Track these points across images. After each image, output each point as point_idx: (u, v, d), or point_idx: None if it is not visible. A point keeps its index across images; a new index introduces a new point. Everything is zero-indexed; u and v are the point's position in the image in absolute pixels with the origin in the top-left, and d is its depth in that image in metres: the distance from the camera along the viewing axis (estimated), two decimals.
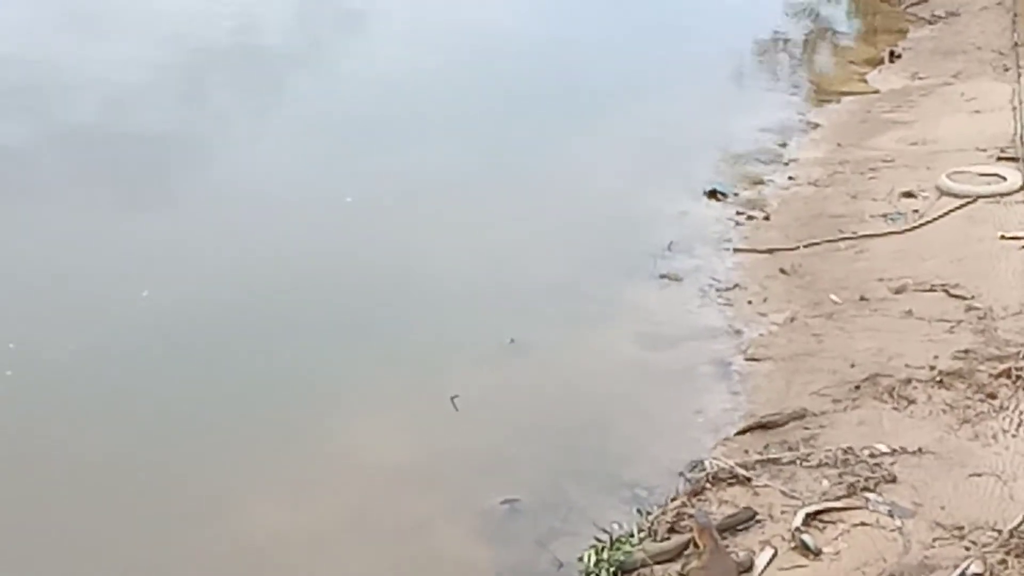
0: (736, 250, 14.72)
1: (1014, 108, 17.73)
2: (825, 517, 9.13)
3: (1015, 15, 22.78)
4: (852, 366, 11.51)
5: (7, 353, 11.63)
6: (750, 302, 13.30)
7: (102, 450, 10.45)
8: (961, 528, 8.83)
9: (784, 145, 18.26)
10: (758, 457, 10.11)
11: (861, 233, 14.78)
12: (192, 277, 13.26)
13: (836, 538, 8.89)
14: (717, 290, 13.60)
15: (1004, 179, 15.44)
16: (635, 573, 8.82)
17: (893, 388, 10.93)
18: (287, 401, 11.20)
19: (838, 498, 9.33)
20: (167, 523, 9.57)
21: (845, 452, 9.94)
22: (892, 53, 22.45)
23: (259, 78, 20.09)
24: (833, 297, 13.15)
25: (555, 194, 16.09)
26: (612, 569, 8.76)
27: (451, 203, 15.43)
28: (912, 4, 25.35)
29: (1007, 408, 10.39)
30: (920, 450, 9.86)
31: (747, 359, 12.08)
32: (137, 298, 12.66)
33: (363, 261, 13.81)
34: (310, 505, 9.84)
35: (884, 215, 15.29)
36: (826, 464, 9.85)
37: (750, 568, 8.69)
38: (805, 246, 14.58)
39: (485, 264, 14.00)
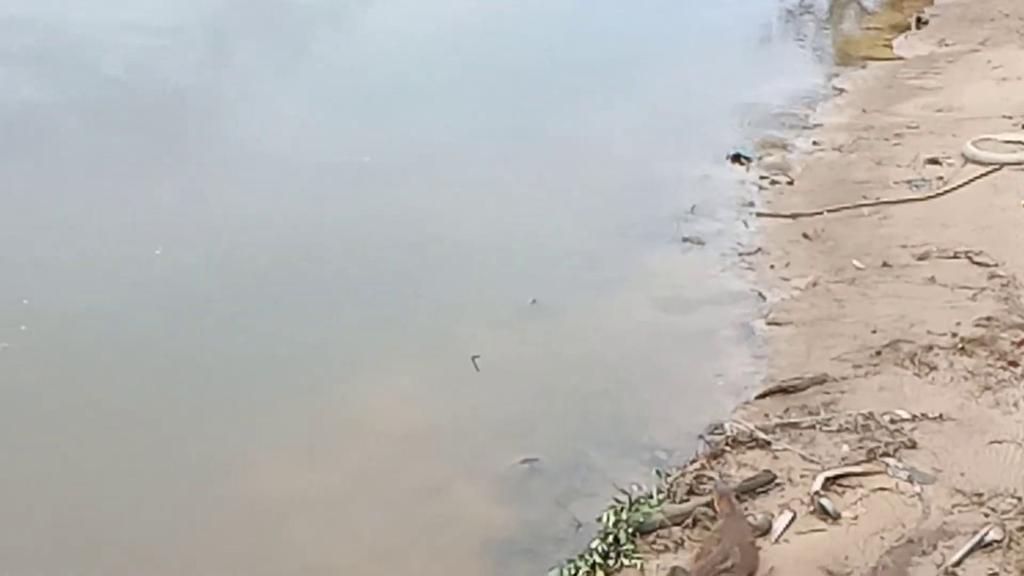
0: (759, 215, 14.68)
1: None
2: (844, 482, 9.13)
3: None
4: (874, 332, 11.49)
5: (21, 308, 11.65)
6: (772, 267, 13.27)
7: (114, 407, 10.49)
8: (980, 495, 8.83)
9: (809, 110, 18.18)
10: (778, 421, 10.11)
11: (885, 199, 14.73)
12: (207, 235, 13.27)
13: (855, 503, 8.90)
14: (739, 254, 13.57)
15: None
16: (653, 534, 8.83)
17: (915, 354, 10.92)
18: (305, 362, 11.22)
19: (858, 463, 9.33)
20: (181, 483, 9.60)
21: (865, 417, 9.93)
22: (919, 19, 22.30)
23: (279, 38, 20.10)
24: (856, 263, 13.12)
25: (577, 158, 16.05)
26: (630, 530, 8.76)
27: (471, 166, 15.40)
28: None
29: None
30: (941, 416, 9.86)
31: (768, 323, 12.07)
32: (152, 255, 12.68)
33: (382, 222, 13.79)
34: (328, 466, 9.86)
35: (908, 181, 15.23)
36: (846, 429, 9.84)
37: (768, 531, 8.70)
38: (829, 211, 14.53)
39: (506, 227, 13.98)
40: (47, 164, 14.90)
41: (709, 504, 8.86)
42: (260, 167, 15.11)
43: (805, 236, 13.94)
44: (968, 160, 15.39)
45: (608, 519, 8.91)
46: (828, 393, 10.55)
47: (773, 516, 8.84)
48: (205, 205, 13.96)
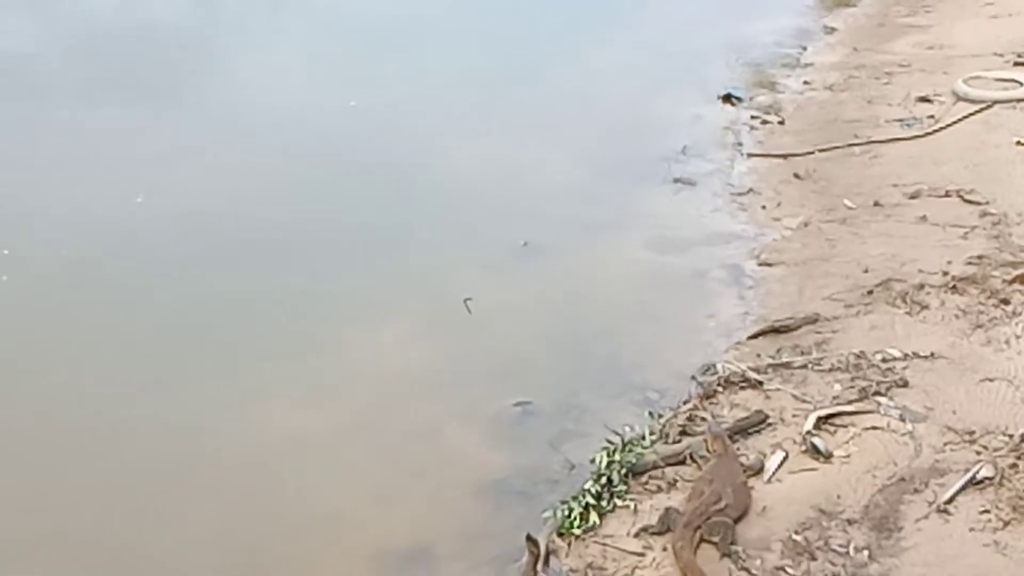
0: (750, 155, 14.69)
1: None
2: (836, 421, 9.15)
3: None
4: (865, 271, 11.50)
5: (1, 259, 11.59)
6: (764, 207, 13.27)
7: (104, 356, 10.44)
8: (972, 432, 8.86)
9: (800, 49, 18.14)
10: (770, 361, 10.12)
11: (876, 138, 14.72)
12: (193, 182, 13.23)
13: (847, 442, 8.92)
14: (731, 195, 13.57)
15: (1021, 84, 15.35)
16: (646, 475, 8.85)
17: (906, 293, 10.93)
18: (296, 306, 11.19)
19: (850, 402, 9.35)
20: (176, 428, 9.58)
21: (857, 356, 9.95)
22: None
23: None
24: (847, 202, 13.12)
25: (568, 99, 16.04)
26: (624, 471, 8.77)
27: (460, 109, 15.38)
28: None
29: (1020, 314, 10.38)
30: (932, 355, 9.87)
31: (760, 264, 12.07)
32: (136, 203, 12.64)
33: (371, 165, 13.78)
34: (322, 410, 9.83)
35: (899, 120, 15.23)
36: (838, 368, 9.87)
37: (761, 471, 8.72)
38: (820, 151, 14.54)
39: (497, 169, 13.97)
40: (27, 111, 14.84)
41: (705, 444, 8.89)
42: (244, 113, 15.07)
43: (796, 176, 13.94)
44: (959, 98, 15.40)
45: (601, 460, 8.91)
46: (820, 333, 10.57)
47: (765, 456, 8.87)
48: (190, 151, 13.90)
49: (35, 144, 14.02)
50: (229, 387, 10.08)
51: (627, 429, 9.30)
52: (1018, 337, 10.03)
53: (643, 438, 9.20)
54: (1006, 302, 10.59)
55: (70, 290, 11.28)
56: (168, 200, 12.74)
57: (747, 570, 7.80)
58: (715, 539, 8.01)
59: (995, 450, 8.62)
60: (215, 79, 16.14)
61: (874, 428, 9.02)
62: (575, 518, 8.41)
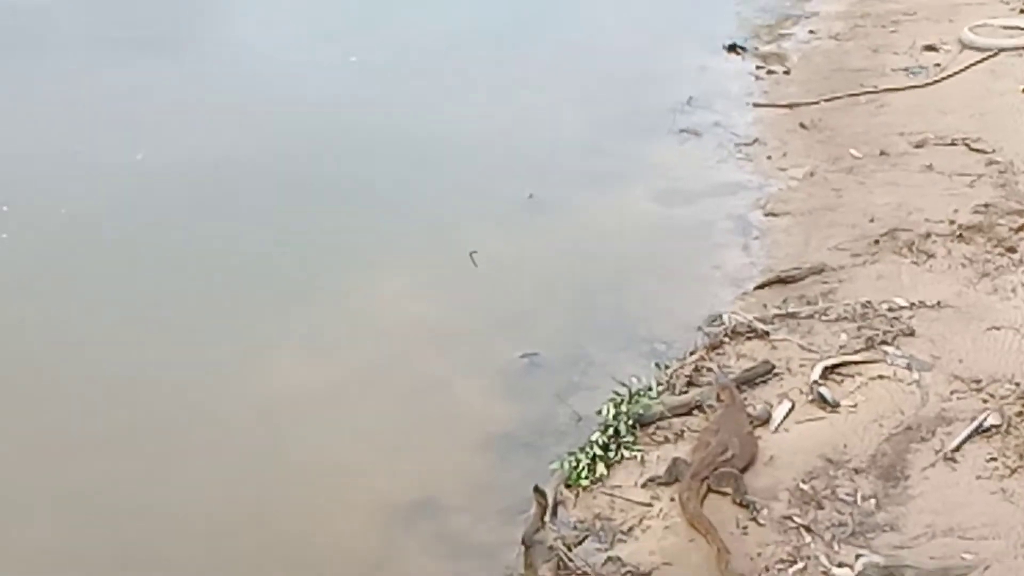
0: (756, 105, 14.63)
1: None
2: (843, 371, 9.17)
3: None
4: (871, 220, 11.48)
5: (1, 216, 11.57)
6: (770, 157, 13.23)
7: (109, 310, 10.43)
8: (979, 381, 8.86)
9: None
10: (776, 311, 10.12)
11: (882, 87, 14.67)
12: (193, 137, 13.18)
13: (854, 391, 8.93)
14: (737, 145, 13.53)
15: None
16: (653, 426, 8.86)
17: (912, 242, 10.92)
18: (301, 260, 11.18)
19: (856, 351, 9.35)
20: (182, 383, 9.58)
21: (864, 306, 9.95)
22: None
23: None
24: (853, 151, 13.08)
25: (572, 51, 15.99)
26: (630, 422, 8.79)
27: (463, 62, 15.33)
28: None
29: None
30: (939, 304, 9.87)
31: (766, 214, 12.05)
32: (135, 159, 12.61)
33: (374, 120, 13.72)
34: (328, 362, 9.84)
35: (905, 69, 15.17)
36: (844, 318, 9.86)
37: (767, 421, 8.74)
38: (825, 100, 14.49)
39: (501, 122, 13.93)
40: (25, 66, 14.78)
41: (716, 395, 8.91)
42: (243, 69, 15.02)
43: (802, 126, 13.89)
44: (965, 46, 15.33)
45: (608, 412, 8.93)
46: (826, 283, 10.56)
47: (772, 406, 8.88)
48: (191, 106, 13.86)
49: (34, 101, 13.98)
50: (233, 341, 10.07)
51: (634, 380, 9.31)
52: None
53: (650, 389, 9.21)
54: (1012, 250, 10.58)
55: (70, 246, 11.24)
56: (169, 156, 12.69)
57: (755, 519, 7.83)
58: (726, 489, 8.04)
59: (1002, 398, 8.64)
60: (215, 34, 16.09)
61: (881, 377, 9.03)
62: (582, 469, 8.44)
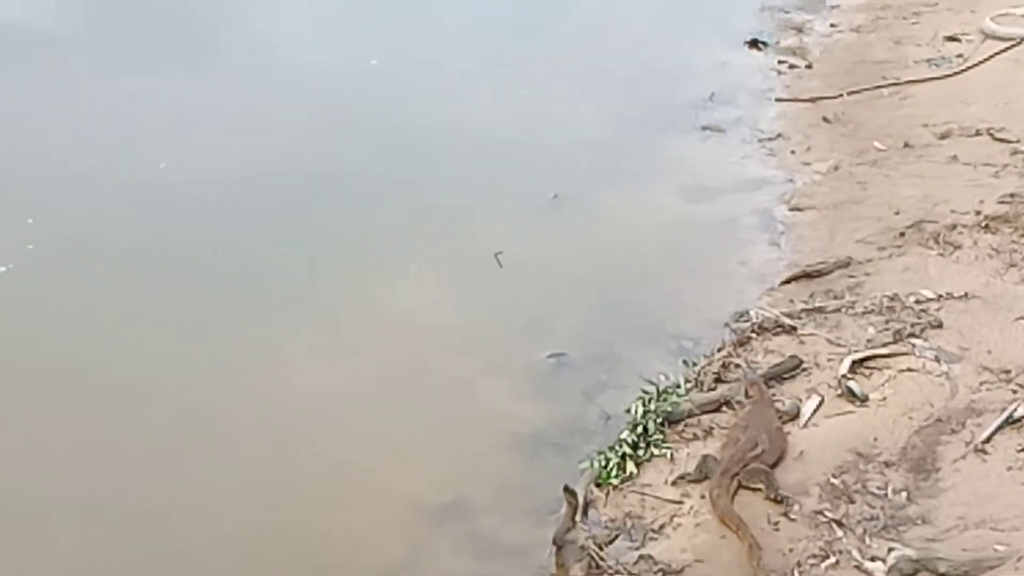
0: (778, 99, 14.62)
1: None
2: (871, 364, 9.14)
3: None
4: (897, 213, 11.45)
5: (27, 227, 11.54)
6: (793, 152, 13.21)
7: (134, 314, 10.41)
8: (1008, 371, 8.83)
9: None
10: (803, 306, 10.11)
11: (905, 79, 14.63)
12: (216, 142, 13.18)
13: (882, 384, 8.91)
14: (760, 140, 13.53)
15: None
16: (682, 423, 8.86)
17: (938, 234, 10.89)
18: (325, 261, 11.18)
19: (884, 345, 9.33)
20: (205, 381, 9.62)
21: (891, 299, 9.93)
22: None
23: None
24: (877, 144, 13.05)
25: (593, 48, 15.97)
26: (659, 420, 8.79)
27: (483, 62, 15.33)
28: None
29: None
30: (966, 295, 9.84)
31: (791, 209, 12.03)
32: (158, 166, 12.64)
33: (396, 121, 13.70)
34: (353, 363, 9.84)
35: (928, 60, 15.14)
36: (872, 311, 9.84)
37: (797, 416, 8.73)
38: (848, 94, 14.45)
39: (523, 121, 13.92)
40: (47, 77, 14.83)
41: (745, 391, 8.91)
42: (263, 74, 15.04)
43: (825, 120, 13.87)
44: (987, 36, 15.28)
45: (636, 410, 8.93)
46: (853, 276, 10.54)
47: (801, 401, 8.87)
48: (213, 112, 13.87)
49: (56, 109, 14.00)
50: (258, 341, 10.09)
51: (662, 378, 9.31)
52: None
53: (678, 386, 9.21)
54: None
55: (95, 256, 11.22)
56: (192, 162, 12.70)
57: (786, 515, 7.82)
58: (759, 486, 8.03)
59: None
60: (235, 40, 16.09)
61: (909, 370, 9.00)
62: (612, 468, 8.45)
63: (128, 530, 8.25)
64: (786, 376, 9.19)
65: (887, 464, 8.13)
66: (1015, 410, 8.34)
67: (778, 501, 7.91)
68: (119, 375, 9.71)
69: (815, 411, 8.76)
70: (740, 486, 8.07)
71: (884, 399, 8.75)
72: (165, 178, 12.49)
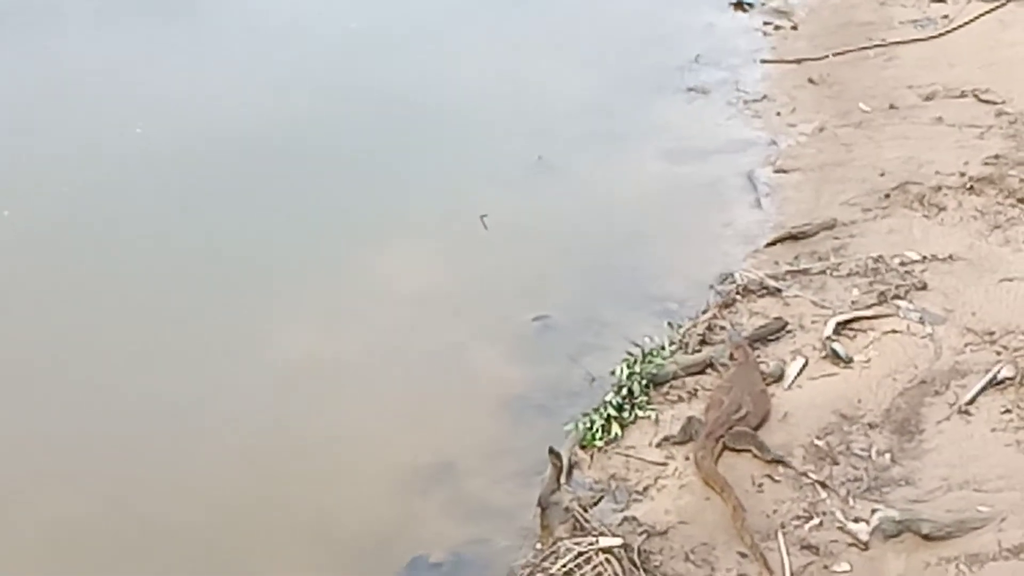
0: (764, 61, 14.59)
1: None
2: (856, 326, 9.17)
3: None
4: (882, 175, 11.45)
5: (2, 193, 11.52)
6: (779, 113, 13.20)
7: (119, 284, 10.38)
8: (992, 333, 8.86)
9: None
10: (788, 268, 10.12)
11: (890, 40, 14.60)
12: (193, 108, 13.10)
13: (867, 346, 8.93)
14: (745, 102, 13.50)
15: None
16: (667, 385, 8.88)
17: (923, 196, 10.90)
18: (311, 229, 11.16)
19: (869, 307, 9.35)
20: (198, 353, 9.59)
21: (875, 261, 9.94)
22: None
23: None
24: (862, 106, 13.04)
25: (577, 11, 15.90)
26: (644, 381, 8.80)
27: (465, 26, 15.26)
28: None
29: None
30: (951, 257, 9.86)
31: (776, 171, 12.02)
32: (134, 131, 12.56)
33: (378, 87, 13.62)
34: (341, 330, 9.84)
35: (913, 21, 15.09)
36: (856, 273, 9.86)
37: (781, 377, 8.75)
38: (834, 55, 14.43)
39: (507, 85, 13.89)
40: (15, 38, 14.72)
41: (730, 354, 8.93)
42: (240, 38, 14.96)
43: (810, 81, 13.85)
44: None
45: (622, 372, 8.95)
46: (837, 238, 10.55)
47: (785, 363, 8.89)
48: (190, 76, 13.79)
49: (27, 72, 13.92)
50: (246, 311, 10.07)
51: (647, 340, 9.33)
52: None
53: (663, 348, 9.23)
54: (1023, 201, 10.55)
55: (75, 223, 11.17)
56: (169, 129, 12.59)
57: (771, 476, 7.84)
58: (750, 448, 8.04)
59: (1015, 350, 8.63)
60: (205, 5, 16.00)
61: (894, 332, 9.03)
62: (597, 430, 8.47)
63: (120, 502, 8.23)
64: (771, 338, 9.21)
65: (871, 426, 8.16)
66: (999, 372, 8.38)
67: (776, 462, 7.93)
68: (107, 345, 9.68)
69: (799, 373, 8.79)
70: (724, 448, 8.09)
71: (868, 361, 8.77)
72: (140, 143, 12.41)
